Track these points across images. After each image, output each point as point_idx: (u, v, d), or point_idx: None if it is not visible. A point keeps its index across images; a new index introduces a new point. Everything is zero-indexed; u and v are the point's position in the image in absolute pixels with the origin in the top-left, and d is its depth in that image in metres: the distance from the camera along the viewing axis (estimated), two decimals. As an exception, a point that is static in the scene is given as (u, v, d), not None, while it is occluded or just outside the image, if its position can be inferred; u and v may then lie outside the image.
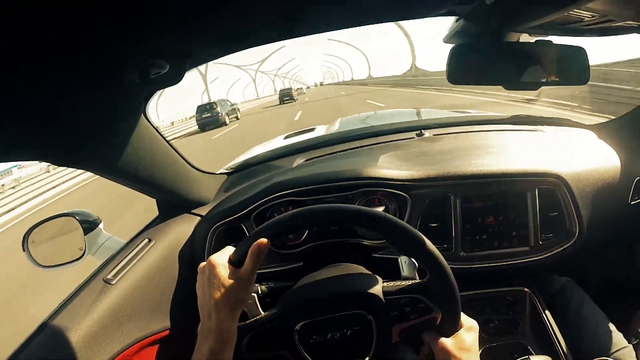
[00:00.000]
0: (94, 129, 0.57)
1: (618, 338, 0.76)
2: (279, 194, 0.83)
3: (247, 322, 0.56)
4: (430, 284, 0.52)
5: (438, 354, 0.53)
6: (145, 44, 0.45)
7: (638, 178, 0.88)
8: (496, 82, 0.67)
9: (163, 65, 0.50)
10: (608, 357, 0.73)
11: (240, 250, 0.51)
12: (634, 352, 0.73)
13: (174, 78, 0.52)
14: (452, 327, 0.54)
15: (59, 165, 0.60)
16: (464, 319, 0.55)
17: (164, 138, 0.76)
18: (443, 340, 0.53)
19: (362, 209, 0.51)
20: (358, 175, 0.83)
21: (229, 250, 0.53)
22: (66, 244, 0.90)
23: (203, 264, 0.52)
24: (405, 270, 0.58)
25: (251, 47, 0.54)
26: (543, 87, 0.73)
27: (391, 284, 0.55)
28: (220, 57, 0.56)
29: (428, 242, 0.49)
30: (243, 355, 0.55)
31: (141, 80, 0.50)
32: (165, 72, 0.51)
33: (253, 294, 0.59)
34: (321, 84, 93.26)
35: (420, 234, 0.49)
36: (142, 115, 0.66)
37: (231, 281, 0.49)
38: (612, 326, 0.78)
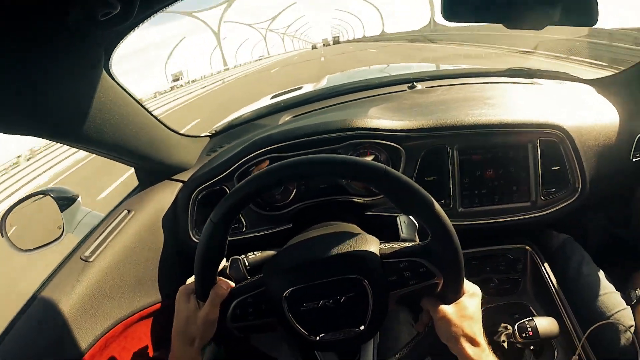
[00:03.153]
0: (47, 88, 0.50)
1: (617, 299, 0.74)
2: (262, 150, 0.78)
3: (232, 288, 0.51)
4: (432, 247, 0.48)
5: (438, 322, 0.50)
6: None
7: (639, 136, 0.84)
8: (496, 19, 0.60)
9: (112, 3, 0.43)
10: (607, 318, 0.72)
11: (196, 281, 0.51)
12: (632, 314, 0.72)
13: (125, 18, 0.44)
14: (454, 294, 0.50)
15: (10, 133, 0.53)
16: (466, 284, 0.52)
17: (135, 99, 0.70)
18: (444, 307, 0.50)
19: (360, 161, 0.46)
20: (347, 126, 0.78)
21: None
22: (44, 224, 0.85)
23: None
24: (404, 231, 0.53)
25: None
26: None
27: (389, 245, 0.51)
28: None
29: (432, 200, 0.45)
30: (228, 324, 0.51)
31: (88, 21, 0.43)
32: (116, 12, 0.44)
33: (241, 257, 0.55)
34: (335, 41, 73.25)
35: (424, 190, 0.45)
36: (104, 71, 0.59)
37: (185, 316, 0.51)
38: (611, 287, 0.77)
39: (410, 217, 0.53)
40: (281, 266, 0.52)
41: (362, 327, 0.50)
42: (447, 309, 0.50)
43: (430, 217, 0.45)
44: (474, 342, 0.48)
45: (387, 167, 0.45)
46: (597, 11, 0.63)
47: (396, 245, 0.51)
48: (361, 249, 0.50)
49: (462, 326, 0.49)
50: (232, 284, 0.52)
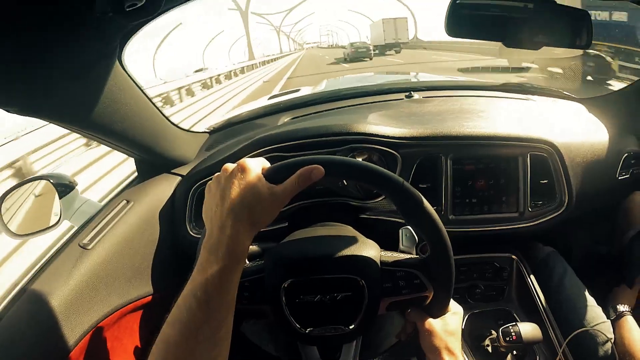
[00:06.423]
0: (62, 73, 0.51)
1: (597, 312, 0.77)
2: (265, 148, 0.79)
3: None
4: (430, 262, 0.50)
5: (424, 334, 0.53)
6: None
7: (626, 154, 0.89)
8: (495, 38, 0.64)
9: None
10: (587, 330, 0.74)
11: (281, 167, 0.43)
12: (611, 328, 0.74)
13: (151, 10, 0.46)
14: (441, 309, 0.53)
15: (22, 114, 0.54)
16: (451, 303, 0.55)
17: (143, 91, 0.71)
18: (431, 321, 0.53)
19: (383, 171, 0.46)
20: (348, 130, 0.80)
21: (264, 161, 0.45)
22: (41, 210, 0.85)
23: (230, 164, 0.44)
24: (404, 243, 0.55)
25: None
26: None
27: (389, 254, 0.53)
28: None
29: (439, 220, 0.47)
30: None
31: (114, 13, 0.45)
32: (141, 4, 0.45)
33: None
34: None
35: (433, 210, 0.46)
36: (118, 61, 0.61)
37: (263, 194, 0.41)
38: (592, 300, 0.79)
39: (412, 231, 0.55)
40: (286, 256, 0.53)
41: (351, 327, 0.51)
42: (433, 323, 0.53)
43: (435, 235, 0.47)
44: (453, 356, 0.52)
45: (404, 181, 0.45)
46: (591, 36, 0.67)
47: (396, 255, 0.53)
48: (364, 253, 0.52)
49: (445, 340, 0.52)
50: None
